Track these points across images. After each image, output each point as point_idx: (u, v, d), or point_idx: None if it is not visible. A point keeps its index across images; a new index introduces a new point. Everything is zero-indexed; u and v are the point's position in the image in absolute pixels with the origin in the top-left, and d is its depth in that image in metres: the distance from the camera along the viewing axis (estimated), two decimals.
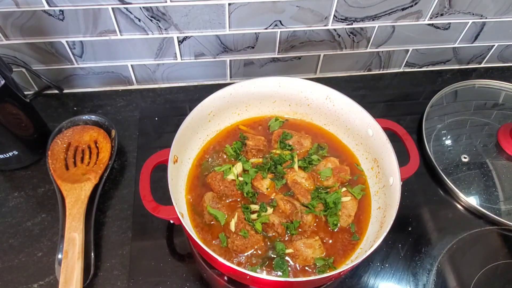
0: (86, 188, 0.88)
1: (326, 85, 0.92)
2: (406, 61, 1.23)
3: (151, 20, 0.97)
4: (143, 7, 0.94)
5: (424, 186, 0.99)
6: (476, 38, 1.18)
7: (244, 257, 0.79)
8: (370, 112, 0.88)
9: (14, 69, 0.99)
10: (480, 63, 1.29)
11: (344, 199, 0.85)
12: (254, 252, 0.79)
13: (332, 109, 0.95)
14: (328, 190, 0.87)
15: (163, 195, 0.77)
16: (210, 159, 0.93)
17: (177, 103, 1.14)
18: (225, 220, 0.82)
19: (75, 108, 1.11)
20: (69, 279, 0.76)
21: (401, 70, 1.27)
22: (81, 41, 1.00)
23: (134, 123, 1.07)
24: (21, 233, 0.88)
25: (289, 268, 0.78)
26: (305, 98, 0.96)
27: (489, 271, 0.85)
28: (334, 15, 1.03)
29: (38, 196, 0.93)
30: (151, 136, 1.05)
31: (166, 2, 0.93)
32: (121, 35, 0.99)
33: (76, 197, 0.87)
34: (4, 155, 0.91)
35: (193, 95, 1.16)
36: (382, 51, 1.18)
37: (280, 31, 1.05)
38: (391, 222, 0.72)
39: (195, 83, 1.18)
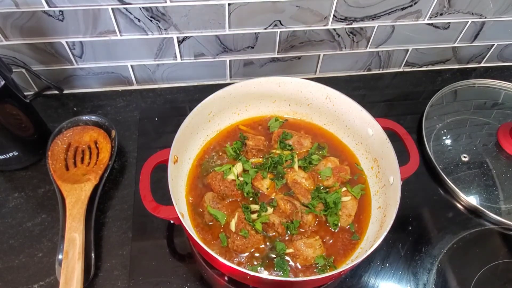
0: (86, 189, 0.88)
1: (326, 85, 0.92)
2: (406, 61, 1.23)
3: (151, 21, 0.97)
4: (143, 7, 0.94)
5: (424, 185, 0.99)
6: (475, 37, 1.18)
7: (244, 257, 0.79)
8: (370, 111, 0.88)
9: (14, 70, 0.99)
10: (479, 62, 1.29)
11: (344, 198, 0.85)
12: (255, 252, 0.79)
13: (332, 109, 0.95)
14: (328, 189, 0.87)
15: (163, 195, 0.77)
16: (210, 159, 0.93)
17: (177, 103, 1.14)
18: (225, 220, 0.82)
19: (75, 109, 1.11)
20: (69, 280, 0.76)
21: (400, 69, 1.27)
22: (81, 42, 1.00)
23: (134, 123, 1.07)
24: (21, 234, 0.88)
25: (290, 268, 0.78)
26: (305, 98, 0.96)
27: (489, 271, 0.85)
28: (334, 15, 1.03)
29: (38, 197, 0.93)
30: (151, 136, 1.05)
31: (166, 2, 0.93)
32: (121, 35, 0.99)
33: (76, 197, 0.87)
34: (4, 155, 0.91)
35: (193, 95, 1.16)
36: (382, 51, 1.18)
37: (280, 31, 1.05)
38: (391, 222, 0.72)
39: (195, 83, 1.18)
